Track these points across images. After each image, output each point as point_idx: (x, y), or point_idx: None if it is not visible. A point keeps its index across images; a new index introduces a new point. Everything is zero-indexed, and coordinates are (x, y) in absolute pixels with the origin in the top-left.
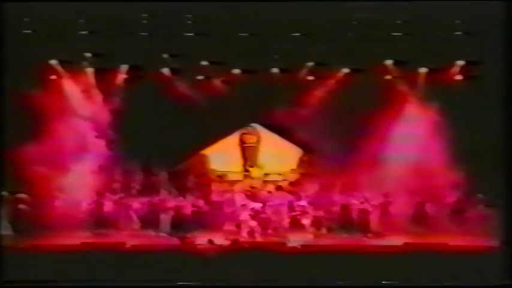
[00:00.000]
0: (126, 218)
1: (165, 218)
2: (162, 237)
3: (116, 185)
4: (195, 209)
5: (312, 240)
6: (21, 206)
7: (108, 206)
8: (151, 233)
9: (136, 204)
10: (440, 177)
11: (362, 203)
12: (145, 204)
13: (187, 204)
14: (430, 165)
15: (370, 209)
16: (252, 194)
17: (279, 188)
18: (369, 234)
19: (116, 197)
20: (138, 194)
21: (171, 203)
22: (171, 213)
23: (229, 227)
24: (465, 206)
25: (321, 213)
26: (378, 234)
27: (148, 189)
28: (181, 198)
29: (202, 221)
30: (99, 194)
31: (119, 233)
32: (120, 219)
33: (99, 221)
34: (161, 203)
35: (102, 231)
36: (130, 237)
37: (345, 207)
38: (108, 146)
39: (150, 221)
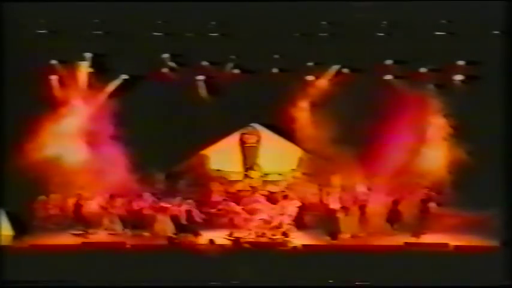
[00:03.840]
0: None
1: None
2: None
3: (120, 186)
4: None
5: (313, 240)
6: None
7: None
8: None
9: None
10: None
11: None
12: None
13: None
14: (427, 164)
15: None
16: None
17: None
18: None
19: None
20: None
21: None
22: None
23: (229, 226)
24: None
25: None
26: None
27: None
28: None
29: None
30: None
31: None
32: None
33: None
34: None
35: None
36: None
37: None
38: (108, 145)
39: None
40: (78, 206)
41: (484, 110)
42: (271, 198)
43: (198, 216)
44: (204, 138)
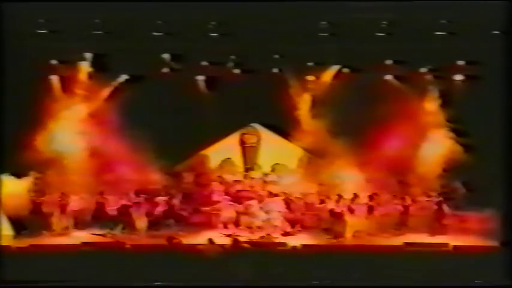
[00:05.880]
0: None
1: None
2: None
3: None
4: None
5: (313, 240)
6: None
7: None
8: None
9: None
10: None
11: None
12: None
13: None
14: (426, 164)
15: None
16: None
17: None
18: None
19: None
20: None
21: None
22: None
23: (229, 226)
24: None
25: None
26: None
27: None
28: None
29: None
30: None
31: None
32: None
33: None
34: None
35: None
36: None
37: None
38: (108, 145)
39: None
40: (36, 205)
41: (484, 110)
42: (271, 198)
43: (181, 210)
44: (204, 138)
